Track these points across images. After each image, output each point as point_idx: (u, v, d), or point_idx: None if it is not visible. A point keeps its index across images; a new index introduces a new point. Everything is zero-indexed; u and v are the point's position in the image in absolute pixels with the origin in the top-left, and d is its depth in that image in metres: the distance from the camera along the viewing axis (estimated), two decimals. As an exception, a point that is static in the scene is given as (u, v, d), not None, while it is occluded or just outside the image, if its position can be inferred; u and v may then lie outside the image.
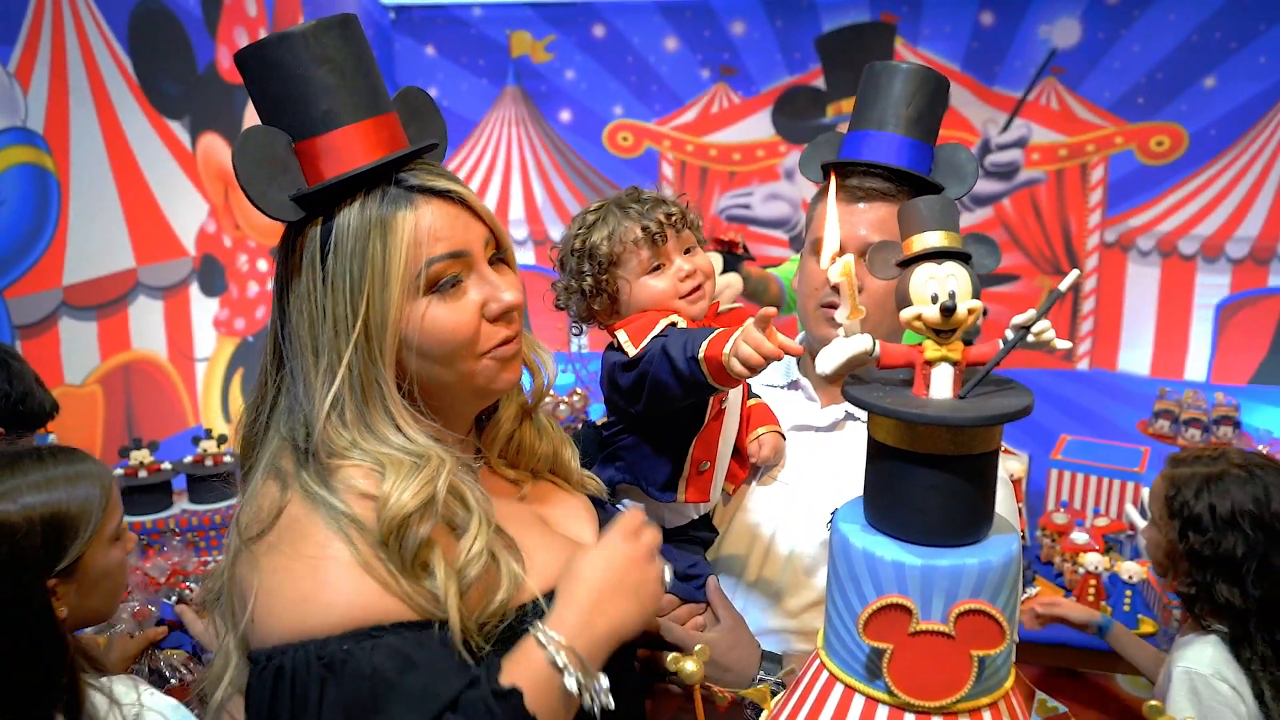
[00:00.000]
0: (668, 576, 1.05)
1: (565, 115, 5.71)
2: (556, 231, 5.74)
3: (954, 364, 0.82)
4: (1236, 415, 3.00)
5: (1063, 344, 0.83)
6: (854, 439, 1.46)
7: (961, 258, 0.84)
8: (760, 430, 1.42)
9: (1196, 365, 5.11)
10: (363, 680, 0.86)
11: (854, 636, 0.84)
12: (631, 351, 1.24)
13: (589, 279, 1.30)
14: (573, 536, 1.13)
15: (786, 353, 1.07)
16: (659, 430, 1.28)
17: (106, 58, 3.44)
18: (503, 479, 1.15)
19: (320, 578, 0.90)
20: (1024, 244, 5.32)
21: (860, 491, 1.35)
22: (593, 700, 0.93)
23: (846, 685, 0.86)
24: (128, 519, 2.55)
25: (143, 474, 2.59)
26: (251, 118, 4.36)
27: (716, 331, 1.13)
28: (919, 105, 1.41)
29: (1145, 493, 2.61)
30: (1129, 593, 2.27)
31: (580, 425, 1.64)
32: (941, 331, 0.82)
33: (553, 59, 5.64)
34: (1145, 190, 5.10)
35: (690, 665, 1.02)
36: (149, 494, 2.55)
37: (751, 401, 1.43)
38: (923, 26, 5.22)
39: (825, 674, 0.89)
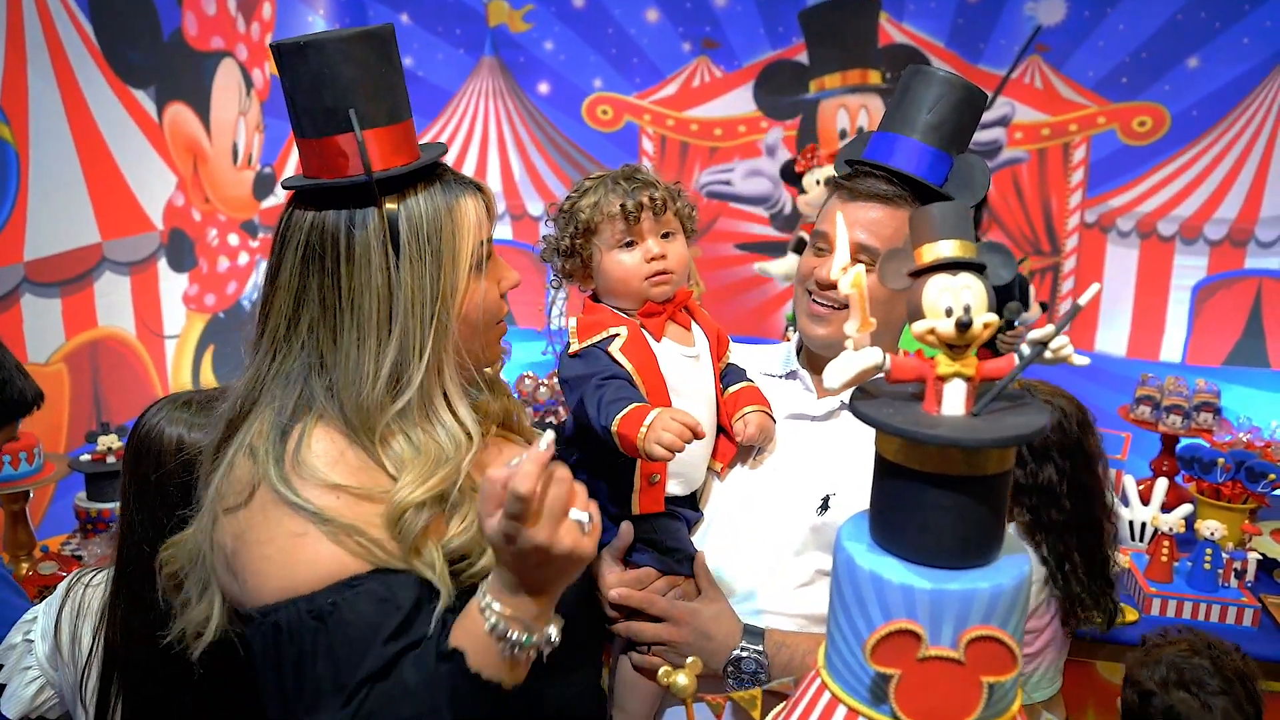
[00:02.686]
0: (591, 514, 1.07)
1: (544, 87, 5.59)
2: (534, 206, 5.65)
3: (968, 380, 0.79)
4: (1217, 402, 3.02)
5: (1081, 360, 0.80)
6: (848, 427, 1.45)
7: (976, 268, 0.81)
8: (747, 409, 1.42)
9: (1172, 346, 5.15)
10: (349, 626, 0.97)
11: (859, 659, 0.81)
12: (574, 345, 1.35)
13: (567, 240, 1.39)
14: None
15: (694, 432, 1.20)
16: (600, 446, 1.29)
17: (66, 23, 3.30)
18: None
19: (299, 542, 1.00)
20: (1005, 223, 5.31)
21: (852, 476, 1.35)
22: (542, 653, 0.99)
23: (850, 708, 0.84)
24: (95, 506, 2.50)
25: (111, 459, 2.51)
26: (223, 87, 4.23)
27: (629, 407, 1.22)
28: (940, 113, 1.40)
29: (1128, 479, 2.64)
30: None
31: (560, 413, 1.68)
32: (955, 346, 0.79)
33: (531, 29, 5.51)
34: (1126, 171, 5.09)
35: (682, 679, 0.99)
36: (117, 480, 2.47)
37: (739, 386, 1.46)
38: (908, 2, 5.15)
39: (827, 695, 0.86)
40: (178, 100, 3.94)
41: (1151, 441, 3.18)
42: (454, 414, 1.11)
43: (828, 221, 1.46)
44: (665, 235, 1.37)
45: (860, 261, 1.39)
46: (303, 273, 1.08)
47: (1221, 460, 2.55)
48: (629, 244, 1.35)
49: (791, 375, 1.55)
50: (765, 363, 1.57)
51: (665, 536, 1.38)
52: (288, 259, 1.09)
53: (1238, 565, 2.34)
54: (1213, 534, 2.36)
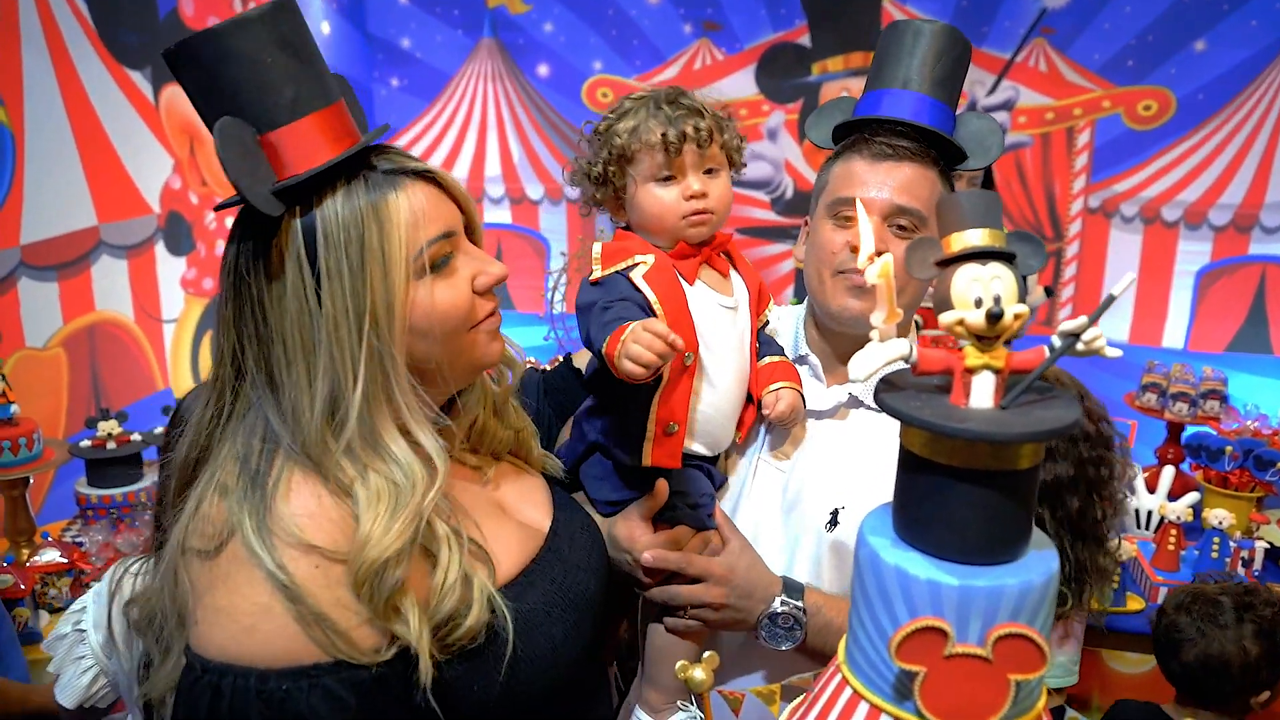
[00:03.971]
0: None
1: (543, 70, 5.54)
2: (534, 190, 5.61)
3: (997, 372, 0.77)
4: (1224, 390, 3.00)
5: (1113, 352, 0.78)
6: (857, 428, 1.40)
7: (1005, 258, 0.78)
8: (780, 384, 1.33)
9: (1175, 333, 5.13)
10: (296, 718, 0.88)
11: (882, 655, 0.80)
12: (597, 272, 1.24)
13: (599, 167, 1.27)
14: (527, 520, 1.15)
15: (672, 346, 1.06)
16: (616, 386, 1.20)
17: (61, 2, 3.25)
18: (465, 465, 1.15)
19: (264, 616, 0.90)
20: (1008, 209, 5.28)
21: (861, 489, 1.32)
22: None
23: (872, 704, 0.82)
24: (97, 492, 2.48)
25: (111, 445, 2.49)
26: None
27: (617, 326, 1.12)
28: (946, 66, 1.34)
29: (1133, 467, 2.62)
30: (1116, 572, 2.26)
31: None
32: (984, 338, 0.77)
33: (530, 10, 5.45)
34: (1131, 156, 5.06)
35: (699, 673, 0.98)
36: (118, 466, 2.47)
37: (775, 359, 1.37)
38: (912, -16, 5.10)
39: (848, 691, 0.85)
40: (174, 82, 3.89)
41: (1158, 429, 3.17)
42: (412, 443, 0.97)
43: (854, 186, 1.34)
44: (708, 171, 1.25)
45: (901, 225, 1.33)
46: (235, 300, 0.97)
47: (1230, 448, 2.54)
48: (667, 178, 1.23)
49: (801, 360, 1.46)
50: (777, 338, 1.48)
51: (690, 489, 1.30)
52: (224, 286, 0.99)
53: (1245, 554, 2.33)
54: (1221, 523, 2.35)
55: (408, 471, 0.95)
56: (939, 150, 1.35)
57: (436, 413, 1.02)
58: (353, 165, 0.96)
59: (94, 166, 3.43)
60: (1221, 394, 2.97)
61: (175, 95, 3.92)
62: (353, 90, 1.05)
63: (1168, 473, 2.57)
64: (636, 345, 1.06)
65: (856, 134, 1.38)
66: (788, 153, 5.47)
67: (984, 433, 0.73)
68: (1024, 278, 0.79)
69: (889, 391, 0.80)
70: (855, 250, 1.31)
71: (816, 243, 1.39)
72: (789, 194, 5.52)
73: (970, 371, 0.77)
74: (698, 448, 1.31)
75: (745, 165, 1.32)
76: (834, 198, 1.37)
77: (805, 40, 5.31)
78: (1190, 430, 2.96)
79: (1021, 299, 0.77)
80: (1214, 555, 2.33)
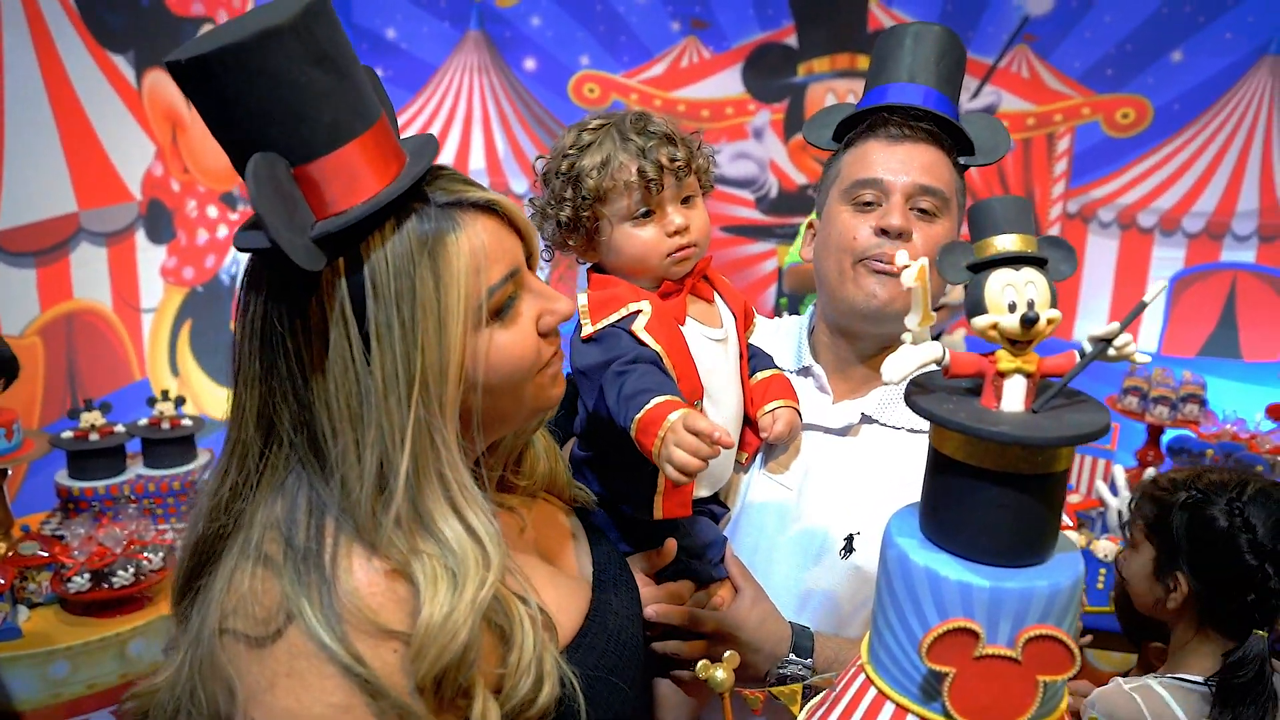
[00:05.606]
0: None
1: (530, 64, 5.51)
2: (519, 184, 5.58)
3: (1029, 376, 0.78)
4: (1203, 394, 3.07)
5: (1143, 356, 0.79)
6: (870, 448, 1.34)
7: (1038, 263, 0.79)
8: (776, 404, 1.26)
9: (1149, 337, 5.23)
10: None
11: (909, 656, 0.81)
12: (587, 328, 1.15)
13: (568, 209, 1.16)
14: (570, 569, 1.06)
15: (718, 445, 0.97)
16: (619, 439, 1.11)
17: (43, -16, 3.18)
18: (501, 508, 1.03)
19: (343, 716, 0.78)
20: (988, 212, 5.34)
21: (876, 513, 1.24)
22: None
23: (898, 704, 0.83)
24: (78, 485, 2.43)
25: (94, 437, 2.45)
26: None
27: (651, 403, 1.02)
28: (948, 65, 1.34)
29: (1117, 469, 2.67)
30: (1103, 570, 2.31)
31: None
32: (1017, 341, 0.78)
33: (518, 3, 5.42)
34: (1109, 162, 5.14)
35: (720, 673, 0.98)
36: (101, 458, 2.42)
37: (767, 373, 1.29)
38: (898, -13, 5.14)
39: (872, 691, 0.86)
40: (157, 66, 3.82)
41: (1138, 431, 3.23)
42: (465, 525, 0.84)
43: (874, 167, 1.29)
44: (685, 200, 1.17)
45: (923, 209, 1.29)
46: (264, 354, 0.84)
47: (1210, 452, 2.59)
48: (645, 214, 1.14)
49: (805, 372, 1.40)
50: (777, 350, 1.40)
51: (695, 537, 1.23)
52: (245, 335, 0.85)
53: (1224, 555, 2.37)
54: (1202, 525, 2.39)
55: (461, 559, 0.82)
56: (954, 137, 1.33)
57: (482, 501, 0.88)
58: (403, 195, 0.82)
59: (75, 151, 3.36)
60: (1200, 398, 3.03)
61: (158, 81, 3.85)
62: (382, 86, 0.90)
63: (1149, 474, 2.61)
64: (681, 452, 0.97)
65: (866, 122, 1.34)
66: (773, 152, 5.49)
67: (1023, 436, 0.73)
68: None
69: (920, 394, 0.81)
70: (886, 229, 1.26)
71: (833, 232, 1.32)
72: (773, 193, 5.54)
73: (1002, 375, 0.78)
74: (703, 491, 1.26)
75: (712, 186, 1.23)
76: (851, 181, 1.31)
77: (792, 40, 5.33)
78: (1170, 434, 3.02)
79: (1054, 304, 0.78)
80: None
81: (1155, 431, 3.08)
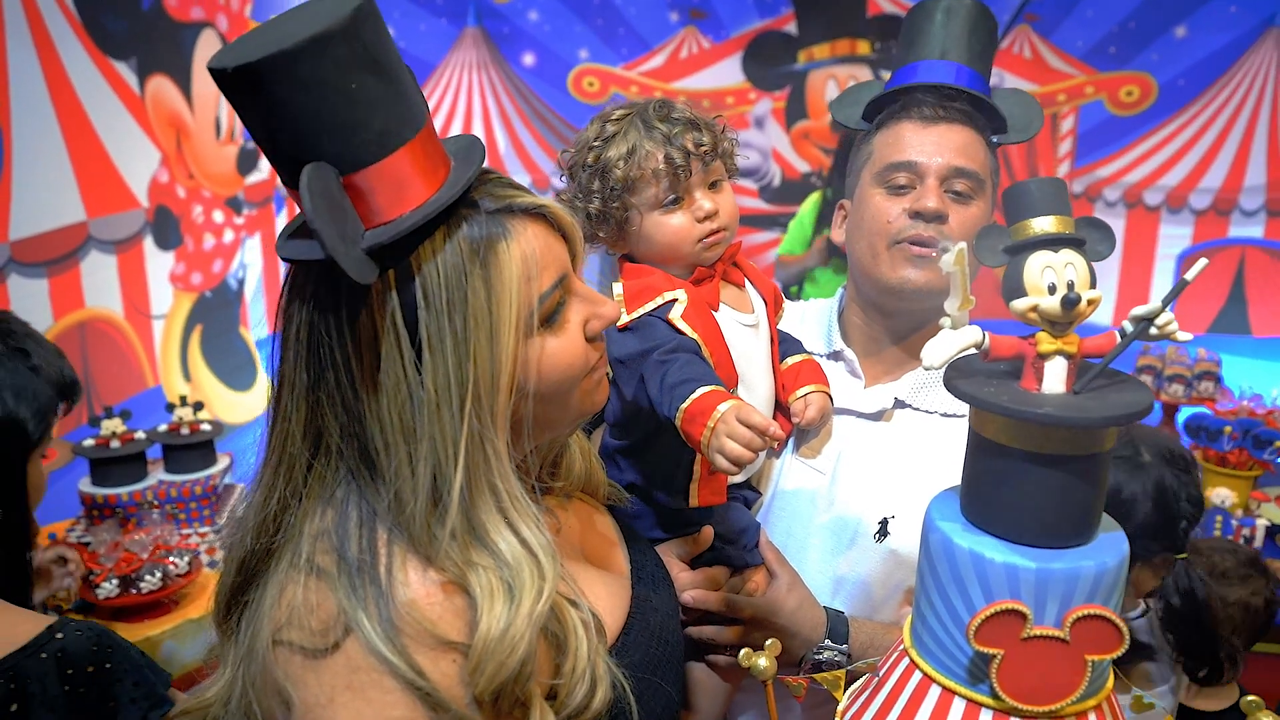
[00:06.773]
0: None
1: (528, 59, 5.50)
2: (520, 180, 5.54)
3: (1070, 357, 0.78)
4: (1218, 371, 3.06)
5: (1184, 336, 0.79)
6: (904, 432, 1.34)
7: (1076, 244, 0.79)
8: (807, 388, 1.27)
9: (1158, 315, 5.22)
10: None
11: (954, 639, 0.81)
12: (623, 317, 1.15)
13: (597, 201, 1.16)
14: (610, 567, 1.06)
15: (769, 438, 0.99)
16: (657, 427, 1.13)
17: (45, -8, 3.17)
18: (543, 513, 1.01)
19: None
20: (993, 194, 5.33)
21: (911, 496, 1.26)
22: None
23: (945, 688, 0.83)
24: (102, 491, 2.44)
25: (115, 444, 2.45)
26: (204, 59, 4.10)
27: (698, 393, 1.02)
28: (980, 40, 1.33)
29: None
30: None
31: None
32: (1057, 323, 0.78)
33: (515, -2, 5.41)
34: (1114, 141, 5.12)
35: (763, 661, 0.98)
36: (123, 465, 2.43)
37: (798, 358, 1.30)
38: (897, -30, 5.12)
39: (917, 675, 0.86)
40: (159, 72, 3.82)
41: (1154, 410, 3.20)
42: (518, 538, 0.83)
43: (907, 150, 1.28)
44: (713, 184, 1.18)
45: (958, 191, 1.28)
46: (311, 365, 0.82)
47: (1228, 428, 2.59)
48: (674, 201, 1.15)
49: (836, 356, 1.40)
50: (806, 335, 1.41)
51: (730, 522, 1.24)
52: (291, 344, 0.84)
53: (1246, 532, 2.39)
54: (1224, 502, 2.40)
55: (516, 571, 0.81)
56: (987, 115, 1.32)
57: (535, 511, 0.87)
58: (456, 204, 0.81)
59: (81, 160, 3.36)
60: (1215, 375, 3.03)
61: (160, 87, 3.84)
62: (416, 82, 0.86)
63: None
64: (733, 443, 0.98)
65: (899, 102, 1.33)
66: (775, 141, 5.48)
67: (1066, 417, 0.74)
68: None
69: (960, 378, 0.81)
70: (922, 213, 1.26)
71: (867, 214, 1.32)
72: (776, 182, 5.53)
73: (1043, 357, 0.78)
74: (738, 477, 1.26)
75: (737, 170, 1.24)
76: (884, 164, 1.30)
77: (792, 28, 5.31)
78: (1186, 411, 3.02)
79: (1093, 284, 0.78)
80: (1216, 533, 2.38)
81: (1170, 409, 3.08)
